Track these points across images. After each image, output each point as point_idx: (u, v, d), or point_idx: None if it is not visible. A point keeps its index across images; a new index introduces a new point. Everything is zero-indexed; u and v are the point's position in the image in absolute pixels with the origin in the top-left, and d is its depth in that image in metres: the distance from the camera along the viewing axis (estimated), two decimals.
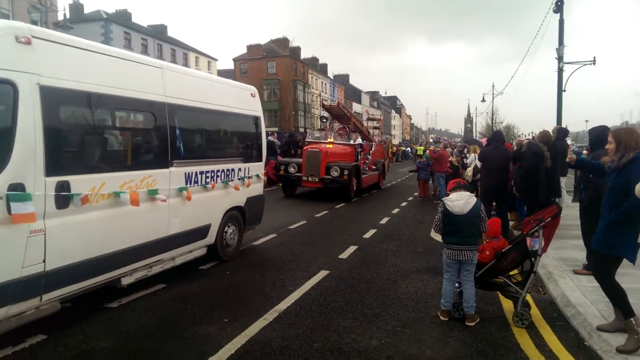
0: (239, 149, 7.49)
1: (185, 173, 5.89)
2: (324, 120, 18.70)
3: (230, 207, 6.96)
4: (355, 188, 14.65)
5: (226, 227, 6.94)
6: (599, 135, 5.92)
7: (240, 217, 7.33)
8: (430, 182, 15.72)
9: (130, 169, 5.08)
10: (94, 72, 4.54)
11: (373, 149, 18.80)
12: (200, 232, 6.30)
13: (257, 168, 7.81)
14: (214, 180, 6.49)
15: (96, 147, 4.75)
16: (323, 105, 19.89)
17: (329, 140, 16.20)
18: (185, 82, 6.11)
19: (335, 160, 14.43)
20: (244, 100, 7.51)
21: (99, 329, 4.41)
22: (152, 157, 5.49)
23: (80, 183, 4.27)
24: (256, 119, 7.87)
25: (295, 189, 15.01)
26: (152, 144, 5.58)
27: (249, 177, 7.43)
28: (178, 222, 5.75)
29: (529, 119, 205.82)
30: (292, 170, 14.34)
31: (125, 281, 5.03)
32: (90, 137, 4.64)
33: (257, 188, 7.80)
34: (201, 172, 6.21)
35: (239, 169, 7.19)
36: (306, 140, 17.43)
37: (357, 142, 16.45)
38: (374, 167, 18.18)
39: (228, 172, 6.87)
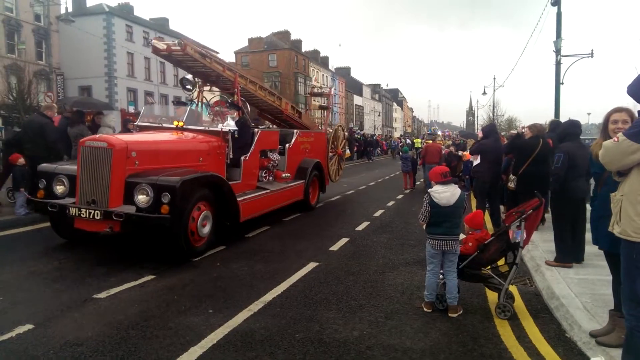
0: None
1: None
2: (189, 88, 9.41)
3: None
4: (207, 230, 6.73)
5: None
6: (567, 129, 6.31)
7: None
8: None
9: None
10: None
11: (293, 140, 10.50)
12: None
13: None
14: None
15: None
16: (155, 49, 8.43)
17: (175, 123, 7.87)
18: None
19: (157, 168, 6.50)
20: None
21: (85, 319, 4.45)
22: None
23: None
24: None
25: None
26: None
27: None
28: None
29: (531, 112, 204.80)
30: (59, 189, 6.64)
31: None
32: None
33: None
34: None
35: None
36: (136, 124, 8.71)
37: (227, 128, 8.03)
38: (285, 175, 9.77)
39: None
